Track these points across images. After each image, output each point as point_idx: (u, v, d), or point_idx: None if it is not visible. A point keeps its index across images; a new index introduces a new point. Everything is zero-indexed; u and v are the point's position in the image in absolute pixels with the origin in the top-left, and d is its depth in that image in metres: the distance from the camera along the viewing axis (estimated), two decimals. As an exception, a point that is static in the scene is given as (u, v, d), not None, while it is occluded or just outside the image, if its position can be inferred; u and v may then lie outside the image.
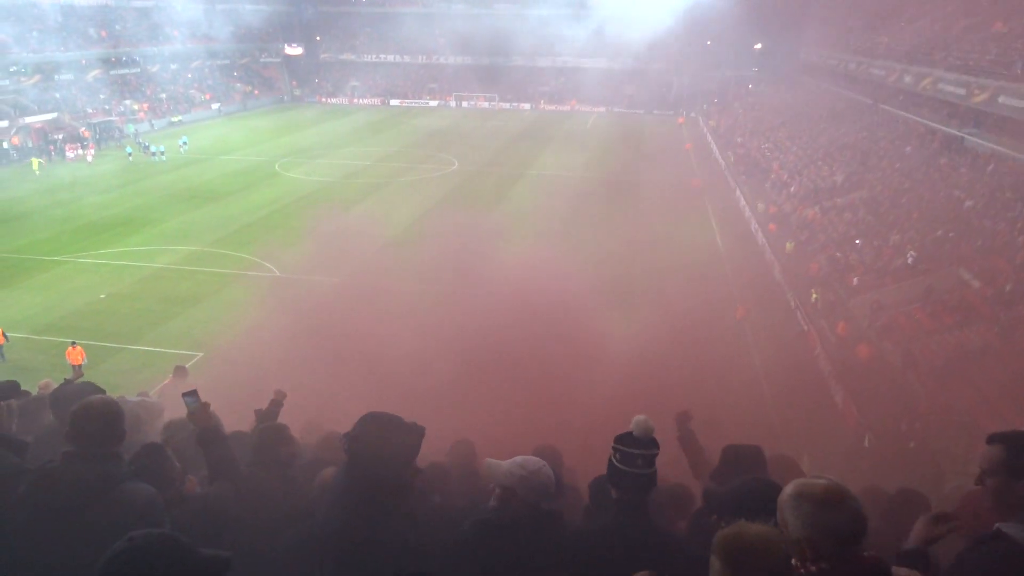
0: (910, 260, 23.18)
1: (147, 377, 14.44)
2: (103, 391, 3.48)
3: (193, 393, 3.67)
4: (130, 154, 46.36)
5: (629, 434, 2.95)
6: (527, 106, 75.31)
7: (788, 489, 2.19)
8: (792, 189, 35.41)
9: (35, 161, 41.28)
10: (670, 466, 4.62)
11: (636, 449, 2.89)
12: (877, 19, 51.65)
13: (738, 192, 37.62)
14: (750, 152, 45.49)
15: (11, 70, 52.25)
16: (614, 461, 2.94)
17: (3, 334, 18.63)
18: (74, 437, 2.74)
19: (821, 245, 27.38)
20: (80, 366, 17.41)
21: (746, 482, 2.93)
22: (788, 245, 27.49)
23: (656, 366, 12.13)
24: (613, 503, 2.96)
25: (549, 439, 5.51)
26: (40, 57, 54.26)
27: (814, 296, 22.69)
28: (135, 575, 1.80)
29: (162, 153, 46.17)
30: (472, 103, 76.50)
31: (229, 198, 35.98)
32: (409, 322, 21.47)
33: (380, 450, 2.82)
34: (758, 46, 68.87)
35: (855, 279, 23.42)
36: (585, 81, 73.98)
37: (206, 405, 3.63)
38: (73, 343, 17.88)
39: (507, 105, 75.59)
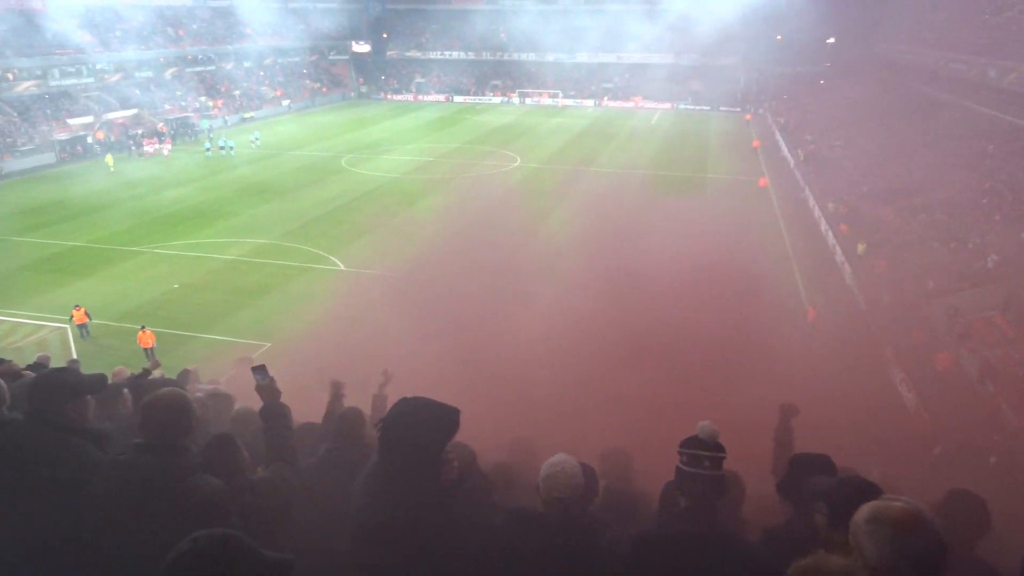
0: (991, 264, 22.14)
1: (217, 366, 14.86)
2: (180, 385, 3.58)
3: (262, 368, 3.78)
4: (208, 149, 48.13)
5: (695, 437, 2.94)
6: (590, 103, 74.80)
7: (863, 512, 2.06)
8: (865, 188, 34.22)
9: (109, 158, 43.17)
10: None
11: (703, 451, 2.88)
12: (959, 11, 49.43)
13: (807, 191, 36.56)
14: (820, 150, 44.17)
15: (96, 68, 54.71)
16: (680, 465, 2.93)
17: (86, 313, 19.80)
18: (144, 429, 2.80)
19: (895, 247, 26.39)
20: (151, 349, 18.33)
21: (852, 479, 2.88)
22: (860, 247, 26.57)
23: (721, 367, 11.91)
24: (682, 511, 2.92)
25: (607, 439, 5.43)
26: (122, 56, 56.64)
27: (887, 299, 21.89)
28: (201, 573, 1.81)
29: (231, 148, 47.86)
30: (535, 100, 76.41)
31: (297, 193, 36.85)
32: (472, 316, 21.64)
33: (411, 431, 2.81)
34: (831, 40, 66.71)
35: (931, 283, 22.51)
36: (650, 77, 73.08)
37: (273, 380, 3.73)
38: (143, 327, 18.77)
39: (570, 102, 75.22)
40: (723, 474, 2.91)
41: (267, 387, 3.67)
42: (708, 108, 69.82)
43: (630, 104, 73.36)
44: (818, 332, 20.11)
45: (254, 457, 3.55)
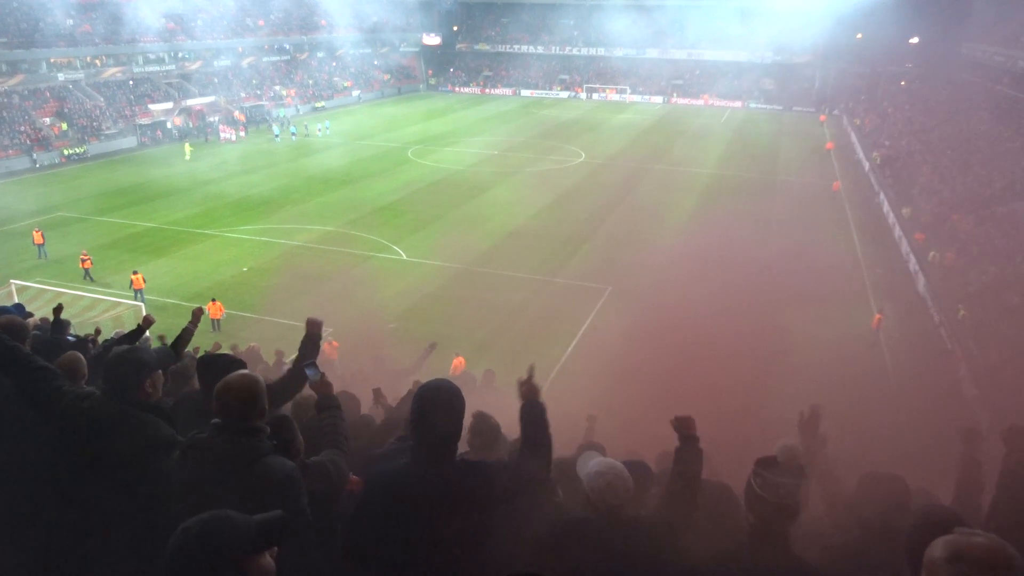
0: (1080, 280, 20.95)
1: (281, 348, 15.29)
2: (244, 364, 3.68)
3: (313, 364, 3.93)
4: (294, 134, 50.27)
5: (773, 459, 2.73)
6: (659, 99, 73.73)
7: (939, 549, 1.84)
8: (944, 195, 32.85)
9: (188, 146, 44.65)
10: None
11: (779, 477, 2.66)
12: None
13: (882, 196, 35.31)
14: (898, 154, 42.56)
15: (178, 56, 56.70)
16: (755, 487, 2.71)
17: (143, 279, 21.59)
18: (219, 412, 2.89)
19: (974, 258, 25.25)
20: (219, 320, 19.56)
21: (932, 512, 2.72)
22: (933, 255, 25.53)
23: (783, 373, 11.58)
24: (749, 528, 2.78)
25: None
26: (203, 44, 58.57)
27: (961, 313, 20.96)
28: (199, 560, 1.89)
29: (293, 134, 50.10)
30: (602, 95, 75.78)
31: (363, 182, 37.48)
32: (530, 310, 21.69)
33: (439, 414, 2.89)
34: (914, 40, 64.08)
35: (1014, 298, 21.44)
36: (721, 74, 71.65)
37: (324, 374, 3.87)
38: (213, 299, 19.89)
39: (638, 98, 74.31)
40: (799, 502, 2.70)
41: (320, 382, 3.80)
42: (781, 108, 68.03)
43: (699, 102, 72.01)
44: (885, 340, 19.47)
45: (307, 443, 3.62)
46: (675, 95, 73.90)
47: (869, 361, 17.73)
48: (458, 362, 16.44)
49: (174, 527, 2.81)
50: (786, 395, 8.96)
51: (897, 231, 29.93)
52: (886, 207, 33.63)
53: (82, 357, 4.41)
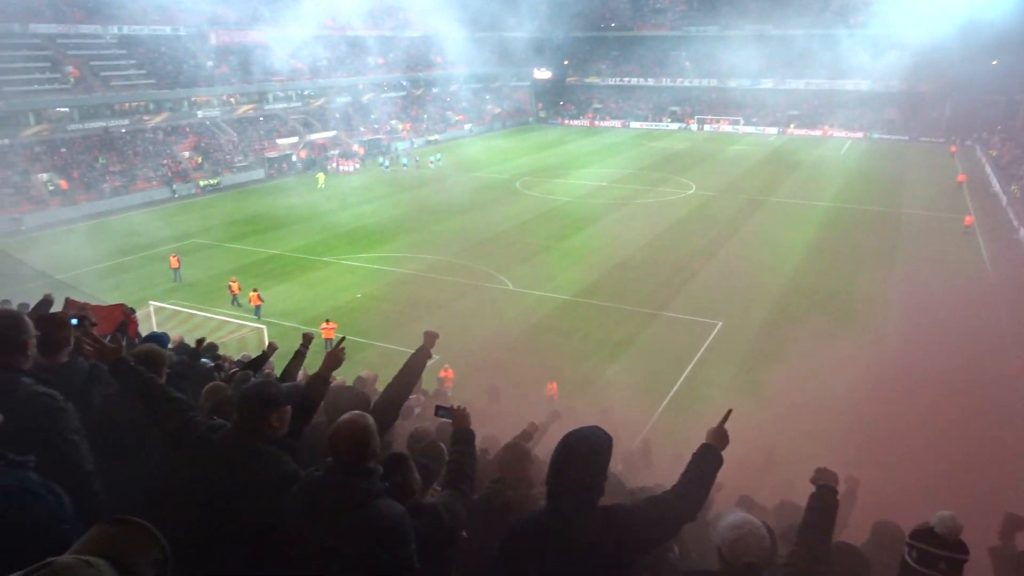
0: None
1: (388, 374, 15.78)
2: (366, 400, 3.74)
3: (440, 408, 4.06)
4: (405, 165, 53.04)
5: (930, 530, 2.54)
6: (773, 130, 71.64)
7: None
8: (1096, 232, 30.12)
9: (320, 176, 47.38)
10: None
11: (940, 550, 2.46)
12: None
13: (1022, 232, 32.77)
14: (1041, 187, 39.42)
15: (304, 94, 60.21)
16: (909, 560, 2.53)
17: (259, 296, 23.60)
18: (331, 452, 2.94)
19: None
20: (332, 340, 20.33)
21: None
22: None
23: (908, 425, 10.84)
24: None
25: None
26: (326, 82, 61.99)
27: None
28: None
29: (404, 165, 52.92)
30: (714, 127, 74.43)
31: (473, 212, 38.20)
32: (637, 343, 21.37)
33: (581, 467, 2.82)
34: (1058, 65, 59.55)
35: None
36: (840, 104, 68.92)
37: (457, 409, 3.88)
38: (327, 320, 21.15)
39: (751, 129, 72.49)
40: None
41: (459, 416, 3.82)
42: (907, 138, 64.58)
43: (817, 132, 69.44)
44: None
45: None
46: (792, 126, 71.62)
47: (1011, 420, 16.32)
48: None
49: (287, 562, 2.88)
50: (911, 453, 8.40)
51: (1041, 269, 27.63)
52: (1028, 243, 31.19)
53: (227, 388, 4.61)
